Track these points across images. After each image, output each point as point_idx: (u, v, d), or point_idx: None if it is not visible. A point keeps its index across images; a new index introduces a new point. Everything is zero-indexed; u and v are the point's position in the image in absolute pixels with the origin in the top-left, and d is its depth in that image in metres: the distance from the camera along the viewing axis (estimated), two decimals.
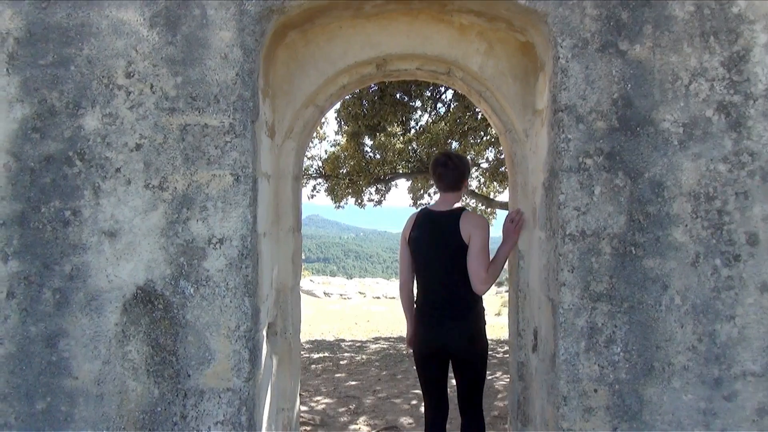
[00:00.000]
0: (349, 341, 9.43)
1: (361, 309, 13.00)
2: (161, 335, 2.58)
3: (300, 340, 3.60)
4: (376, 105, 7.03)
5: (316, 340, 9.46)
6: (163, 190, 2.59)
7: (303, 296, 12.63)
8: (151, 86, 2.60)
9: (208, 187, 2.59)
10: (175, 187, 2.59)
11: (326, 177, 9.86)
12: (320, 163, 9.88)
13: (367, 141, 8.64)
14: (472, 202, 11.04)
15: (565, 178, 2.54)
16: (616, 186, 2.55)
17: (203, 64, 2.60)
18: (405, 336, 3.44)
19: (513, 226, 3.03)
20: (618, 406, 2.52)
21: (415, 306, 3.15)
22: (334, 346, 8.94)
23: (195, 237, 2.58)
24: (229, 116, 2.59)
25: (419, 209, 3.16)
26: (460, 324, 2.94)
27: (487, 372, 6.86)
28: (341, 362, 7.50)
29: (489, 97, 3.15)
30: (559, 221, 2.55)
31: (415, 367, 3.23)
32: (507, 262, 3.27)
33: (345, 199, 9.94)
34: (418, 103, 8.08)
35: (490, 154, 9.89)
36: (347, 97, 7.18)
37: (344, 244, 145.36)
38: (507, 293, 15.28)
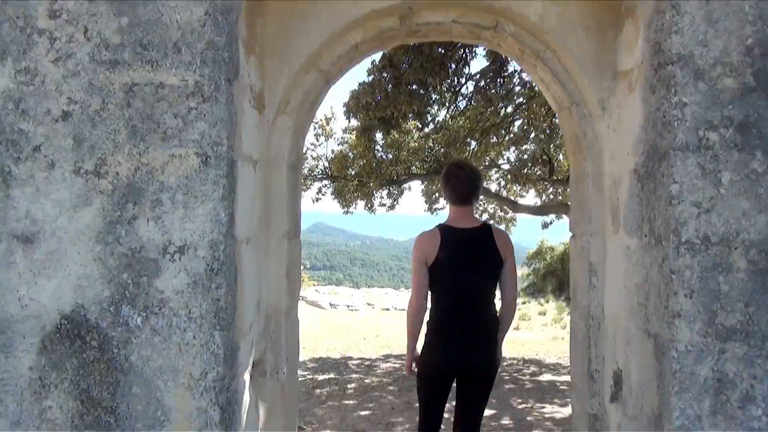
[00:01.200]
0: (357, 359, 8.62)
1: (370, 322, 12.18)
2: (95, 385, 1.81)
3: (297, 380, 2.82)
4: (390, 95, 6.26)
5: (320, 358, 8.65)
6: (101, 177, 1.82)
7: (308, 308, 11.72)
8: (85, 30, 1.84)
9: (164, 172, 1.82)
10: (117, 173, 1.82)
11: (333, 178, 9.06)
12: (326, 164, 9.08)
13: (379, 139, 7.86)
14: (491, 207, 10.26)
15: (679, 159, 1.75)
16: (754, 172, 1.76)
17: None
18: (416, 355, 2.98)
19: None
20: None
21: (431, 326, 2.84)
22: (341, 365, 8.14)
23: (144, 244, 1.81)
24: (194, 71, 1.82)
25: (436, 227, 2.84)
26: (488, 340, 2.78)
27: (517, 400, 6.09)
28: (349, 386, 6.69)
29: (549, 58, 2.37)
30: (669, 223, 1.76)
31: (421, 386, 2.96)
32: (571, 278, 2.56)
33: (353, 204, 9.14)
34: (435, 96, 7.30)
35: (512, 154, 9.10)
36: (356, 87, 6.43)
37: (350, 252, 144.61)
38: (523, 305, 14.33)
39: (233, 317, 1.88)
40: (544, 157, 8.57)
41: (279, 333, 2.43)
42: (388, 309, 13.71)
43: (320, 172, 9.25)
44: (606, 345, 2.30)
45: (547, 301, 14.97)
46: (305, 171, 8.84)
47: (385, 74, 6.18)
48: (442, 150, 7.93)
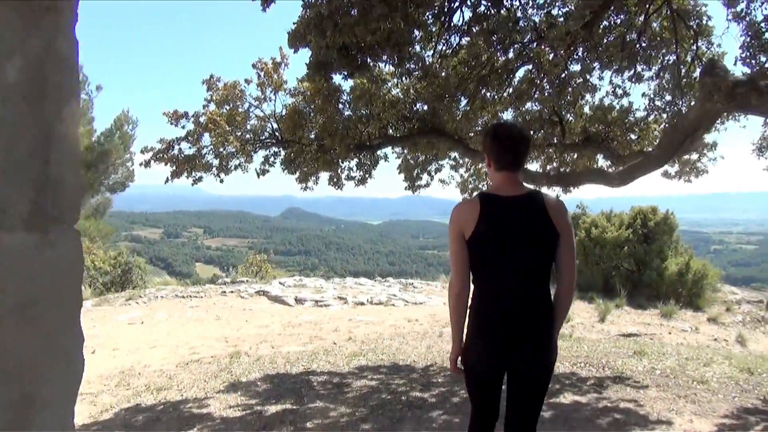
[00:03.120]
0: (324, 374, 6.85)
1: (342, 320, 10.42)
2: None
3: None
4: (354, 12, 4.34)
5: (277, 375, 6.85)
6: None
7: (270, 305, 9.86)
8: None
9: None
10: None
11: (284, 143, 7.10)
12: (275, 125, 7.09)
13: (344, 88, 6.00)
14: (484, 183, 8.52)
15: None
16: None
17: None
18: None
19: None
20: None
21: (472, 315, 2.48)
22: (302, 385, 6.35)
23: None
24: None
25: (476, 195, 2.50)
26: (541, 331, 2.43)
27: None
28: (309, 424, 4.94)
29: None
30: None
31: (468, 387, 2.65)
32: None
33: (314, 177, 7.20)
34: (419, 33, 5.43)
35: (510, 115, 7.34)
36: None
37: (325, 237, 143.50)
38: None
39: None
40: (554, 117, 6.87)
41: None
42: (362, 303, 11.93)
43: (268, 136, 7.25)
44: None
45: None
46: (247, 135, 6.88)
47: None
48: (426, 107, 6.12)
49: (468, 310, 2.48)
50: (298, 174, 7.09)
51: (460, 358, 2.53)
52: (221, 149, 6.32)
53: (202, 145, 6.33)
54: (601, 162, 8.61)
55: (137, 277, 14.57)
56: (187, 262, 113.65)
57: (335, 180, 7.35)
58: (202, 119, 6.15)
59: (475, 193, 10.02)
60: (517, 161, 2.46)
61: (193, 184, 6.50)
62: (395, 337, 9.10)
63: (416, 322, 10.40)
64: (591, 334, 9.75)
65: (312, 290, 12.93)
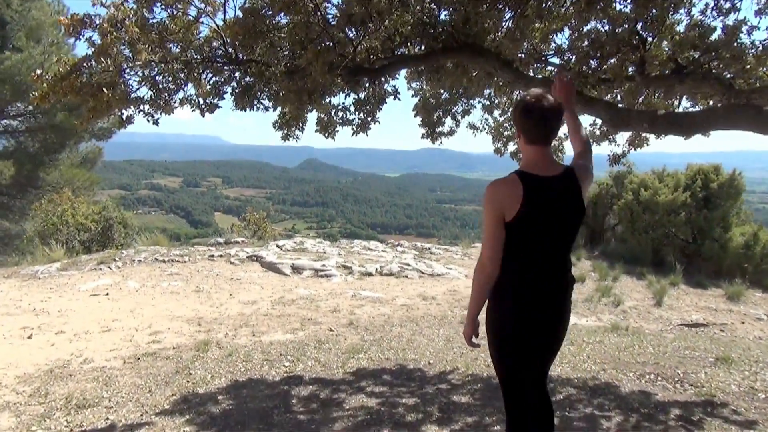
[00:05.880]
0: (309, 383, 5.18)
1: (344, 297, 8.72)
2: None
3: None
4: None
5: (248, 382, 5.19)
6: None
7: (263, 273, 7.56)
8: None
9: None
10: None
11: (237, 63, 4.98)
12: (228, 38, 4.87)
13: None
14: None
15: None
16: None
17: None
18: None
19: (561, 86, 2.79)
20: None
21: (511, 291, 2.45)
22: (276, 402, 4.69)
23: None
24: None
25: (514, 174, 2.42)
26: (569, 307, 2.56)
27: None
28: None
29: None
30: None
31: (508, 370, 2.58)
32: None
33: (293, 123, 5.15)
34: None
35: (564, 38, 5.32)
36: None
37: (342, 188, 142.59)
38: None
39: None
40: (634, 38, 4.88)
41: None
42: (370, 274, 10.19)
43: (220, 56, 5.13)
44: None
45: (579, 259, 11.50)
46: (192, 53, 4.76)
47: None
48: (454, 15, 4.12)
49: (499, 287, 2.45)
50: (273, 111, 4.98)
51: (486, 334, 2.56)
52: (146, 71, 4.37)
53: (122, 68, 4.38)
54: (679, 105, 6.59)
55: (120, 235, 13.02)
56: (206, 212, 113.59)
57: (325, 124, 5.36)
58: (109, 24, 4.13)
59: (498, 160, 8.29)
60: (553, 135, 2.48)
61: (119, 128, 4.67)
62: (406, 323, 7.39)
63: (433, 300, 8.68)
64: (649, 324, 7.94)
65: (313, 256, 11.23)
